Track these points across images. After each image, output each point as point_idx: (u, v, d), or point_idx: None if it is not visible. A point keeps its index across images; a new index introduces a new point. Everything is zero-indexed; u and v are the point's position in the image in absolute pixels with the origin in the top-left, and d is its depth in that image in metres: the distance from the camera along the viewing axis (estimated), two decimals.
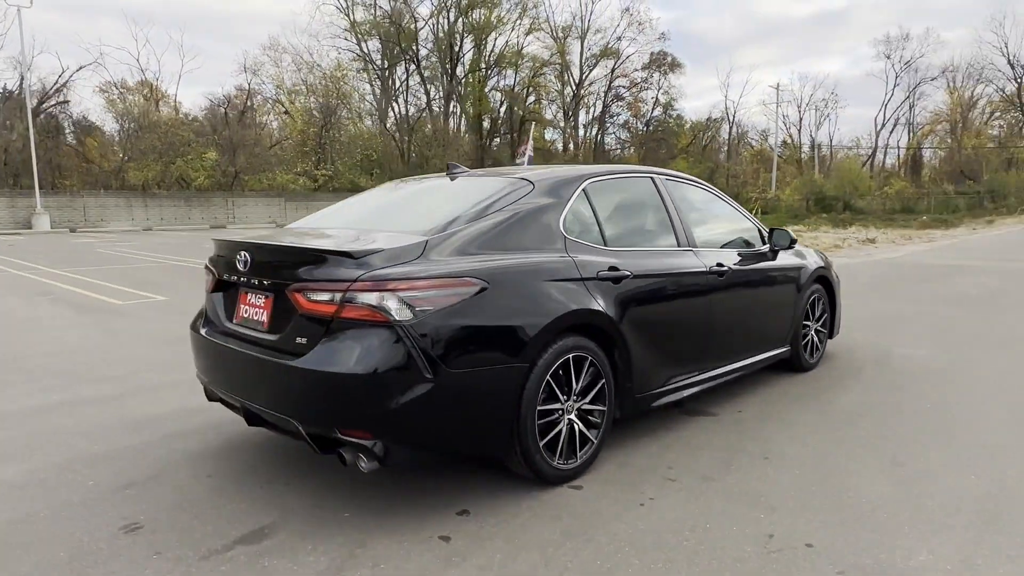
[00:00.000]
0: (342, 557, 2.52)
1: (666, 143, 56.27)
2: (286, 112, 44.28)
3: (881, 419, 4.00)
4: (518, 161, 25.19)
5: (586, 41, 54.58)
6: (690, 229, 4.02)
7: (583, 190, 3.48)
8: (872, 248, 18.08)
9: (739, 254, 4.32)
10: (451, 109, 50.29)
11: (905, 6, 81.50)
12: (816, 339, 5.17)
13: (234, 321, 3.14)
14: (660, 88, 58.61)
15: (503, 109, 52.73)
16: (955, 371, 5.04)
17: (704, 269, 3.89)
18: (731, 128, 59.67)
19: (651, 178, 4.01)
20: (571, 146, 59.61)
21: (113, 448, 3.61)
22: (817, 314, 5.19)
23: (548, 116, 56.52)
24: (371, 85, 48.50)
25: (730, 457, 3.44)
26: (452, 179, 3.79)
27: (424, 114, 49.03)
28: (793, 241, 4.71)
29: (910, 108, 60.23)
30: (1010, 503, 2.91)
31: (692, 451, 3.53)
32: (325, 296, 2.65)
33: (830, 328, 5.40)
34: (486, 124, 51.74)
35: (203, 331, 3.29)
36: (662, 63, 58.53)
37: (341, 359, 2.59)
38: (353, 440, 2.60)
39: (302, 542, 2.63)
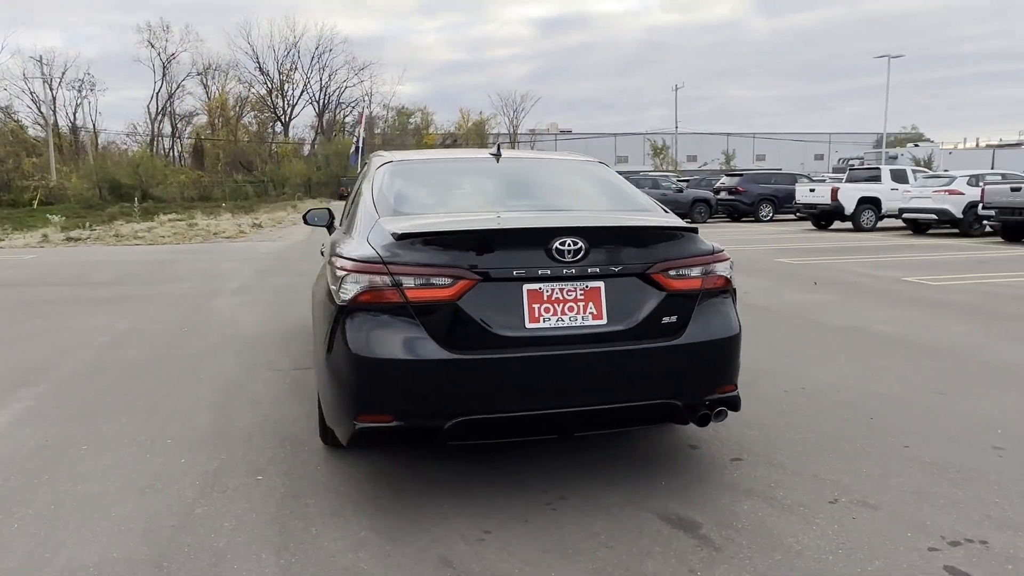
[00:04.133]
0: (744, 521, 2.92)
1: None
2: None
3: None
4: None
5: None
6: None
7: None
8: (279, 230, 19.62)
9: None
10: None
11: None
12: None
13: (529, 325, 2.62)
14: None
15: None
16: None
17: None
18: None
19: None
20: None
21: None
22: None
23: None
24: None
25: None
26: (498, 159, 3.68)
27: None
28: None
29: (169, 98, 62.50)
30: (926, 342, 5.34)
31: None
32: (688, 271, 2.81)
33: None
34: None
35: (459, 353, 2.55)
36: None
37: (728, 324, 2.88)
38: (721, 397, 2.91)
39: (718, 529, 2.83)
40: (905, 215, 17.18)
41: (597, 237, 2.71)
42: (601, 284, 2.73)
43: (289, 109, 62.20)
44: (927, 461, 3.24)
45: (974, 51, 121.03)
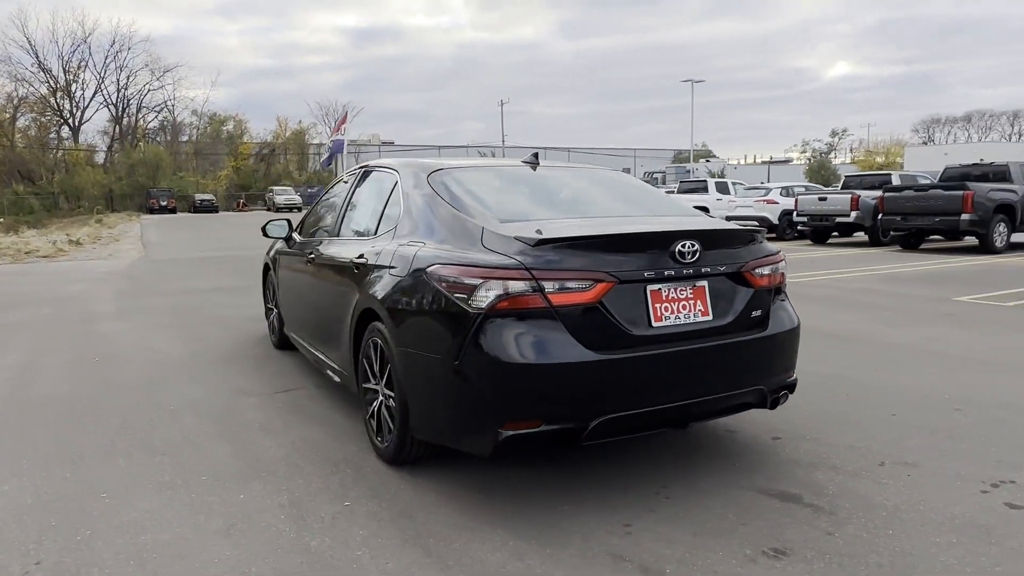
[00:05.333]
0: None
1: None
2: None
3: None
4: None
5: None
6: None
7: None
8: (102, 247, 17.42)
9: None
10: None
11: None
12: None
13: (654, 324, 2.76)
14: None
15: None
16: None
17: None
18: None
19: None
20: None
21: None
22: None
23: None
24: None
25: None
26: (534, 168, 3.76)
27: None
28: None
29: None
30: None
31: None
32: (764, 270, 3.12)
33: None
34: None
35: (602, 354, 2.64)
36: None
37: (792, 316, 3.22)
38: (788, 381, 3.25)
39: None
40: (731, 222, 19.34)
41: (708, 240, 2.93)
42: (706, 283, 2.95)
43: (79, 112, 55.36)
44: (919, 425, 3.84)
45: (740, 79, 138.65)
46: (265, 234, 5.34)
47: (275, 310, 5.84)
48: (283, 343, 5.74)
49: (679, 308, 2.88)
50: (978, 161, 15.74)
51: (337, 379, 4.07)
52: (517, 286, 2.61)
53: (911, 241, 15.17)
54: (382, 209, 3.76)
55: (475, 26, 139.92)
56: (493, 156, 63.26)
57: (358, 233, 4.02)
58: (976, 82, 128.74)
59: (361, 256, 3.58)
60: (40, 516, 2.88)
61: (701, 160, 64.90)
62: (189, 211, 44.20)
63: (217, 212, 44.13)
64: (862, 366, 5.13)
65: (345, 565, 2.47)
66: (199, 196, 45.41)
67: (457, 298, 2.71)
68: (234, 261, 14.06)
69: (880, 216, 14.92)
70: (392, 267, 3.20)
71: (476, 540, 2.63)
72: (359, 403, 3.70)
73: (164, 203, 42.65)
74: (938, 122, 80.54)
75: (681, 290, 2.89)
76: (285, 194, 45.78)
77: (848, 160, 77.56)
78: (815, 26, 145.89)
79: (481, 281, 2.65)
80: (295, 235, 5.27)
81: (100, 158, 56.68)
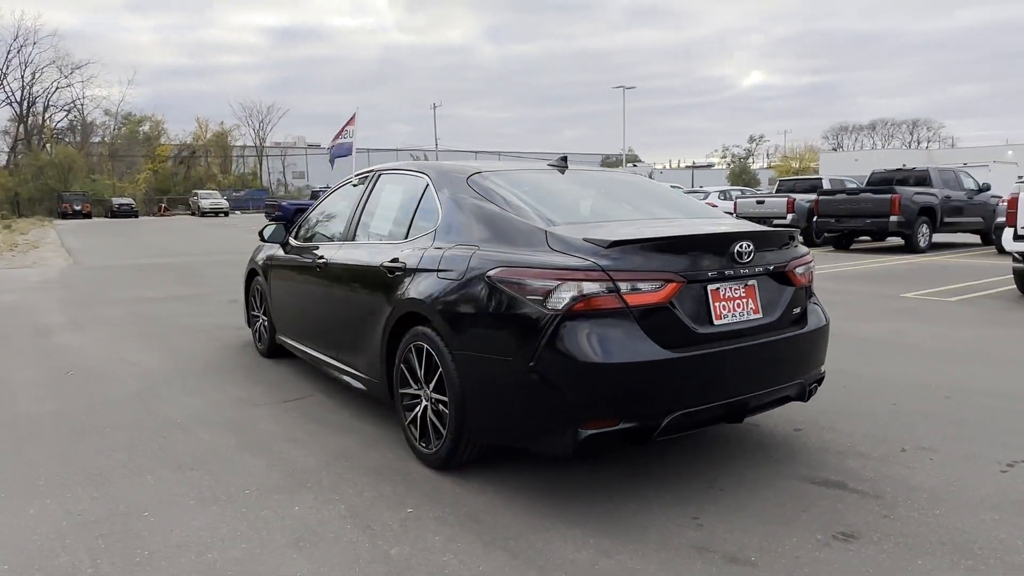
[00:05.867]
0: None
1: None
2: None
3: None
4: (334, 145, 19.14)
5: None
6: None
7: None
8: (22, 255, 16.27)
9: None
10: None
11: None
12: None
13: (715, 322, 2.85)
14: None
15: None
16: None
17: None
18: None
19: None
20: None
21: None
22: None
23: None
24: None
25: None
26: (563, 171, 3.81)
27: None
28: None
29: None
30: None
31: None
32: (801, 269, 3.28)
33: None
34: None
35: (674, 352, 2.71)
36: None
37: (821, 314, 3.40)
38: (820, 375, 3.41)
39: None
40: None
41: (760, 241, 3.06)
42: (755, 282, 3.07)
43: None
44: (920, 413, 4.09)
45: (662, 86, 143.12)
46: (262, 238, 5.20)
47: (263, 318, 5.65)
48: (272, 351, 5.56)
49: (734, 306, 2.99)
50: (901, 166, 16.83)
51: (359, 385, 3.98)
52: (593, 287, 2.65)
53: (843, 242, 16.05)
54: (412, 212, 3.72)
55: (401, 28, 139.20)
56: (426, 159, 63.03)
57: (382, 237, 3.96)
58: (877, 92, 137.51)
59: (395, 260, 3.53)
60: (83, 538, 2.70)
61: (629, 165, 66.49)
62: (106, 216, 41.86)
63: (137, 217, 42.00)
64: (846, 360, 5.41)
65: (436, 571, 2.44)
66: (117, 200, 43.10)
67: (531, 300, 2.72)
68: (176, 268, 13.47)
69: (815, 218, 15.74)
70: (443, 270, 3.17)
71: (556, 540, 2.65)
72: (394, 409, 3.64)
73: (78, 207, 40.26)
74: (846, 129, 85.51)
75: (735, 289, 3.00)
76: (211, 198, 44.03)
77: (766, 165, 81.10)
78: (731, 36, 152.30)
79: (557, 283, 2.67)
80: (291, 240, 5.12)
81: (2, 160, 53.03)
